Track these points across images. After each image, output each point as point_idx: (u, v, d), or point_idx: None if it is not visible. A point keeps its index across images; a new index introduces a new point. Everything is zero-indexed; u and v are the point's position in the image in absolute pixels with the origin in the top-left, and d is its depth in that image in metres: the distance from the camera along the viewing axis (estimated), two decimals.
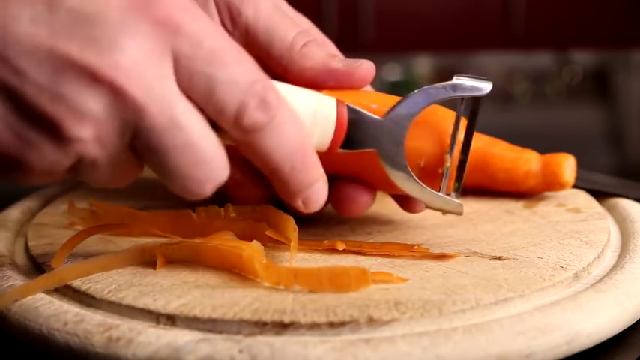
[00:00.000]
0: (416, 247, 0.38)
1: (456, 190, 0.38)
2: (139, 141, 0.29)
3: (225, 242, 0.35)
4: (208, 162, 0.29)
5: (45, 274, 0.34)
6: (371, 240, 0.39)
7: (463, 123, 0.38)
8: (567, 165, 0.45)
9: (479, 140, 0.47)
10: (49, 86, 0.27)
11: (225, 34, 0.31)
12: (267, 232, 0.37)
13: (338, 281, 0.32)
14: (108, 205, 0.43)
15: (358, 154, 0.36)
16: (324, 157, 0.34)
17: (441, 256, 0.36)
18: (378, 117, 0.35)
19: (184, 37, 0.29)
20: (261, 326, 0.30)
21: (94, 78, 0.27)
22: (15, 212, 0.45)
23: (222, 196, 0.40)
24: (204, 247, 0.35)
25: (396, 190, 0.37)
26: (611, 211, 0.45)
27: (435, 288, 0.32)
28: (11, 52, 0.27)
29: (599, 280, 0.34)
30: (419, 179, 0.36)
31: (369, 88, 0.40)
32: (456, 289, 0.32)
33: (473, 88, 0.37)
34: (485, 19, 2.02)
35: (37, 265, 0.37)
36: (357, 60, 0.38)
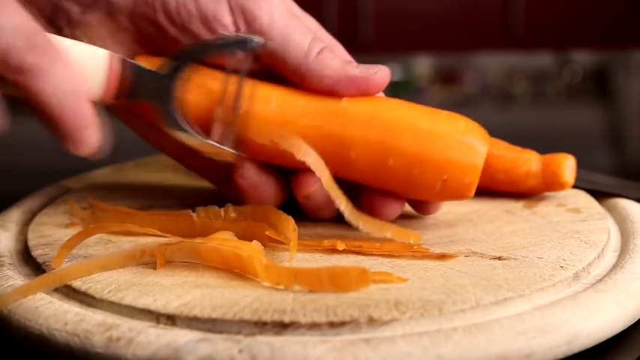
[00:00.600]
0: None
1: (228, 140, 0.39)
2: None
3: (225, 242, 0.35)
4: None
5: (45, 275, 0.34)
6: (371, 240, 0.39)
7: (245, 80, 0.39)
8: (567, 165, 0.45)
9: None
10: None
11: None
12: (267, 232, 0.37)
13: (338, 281, 0.32)
14: (108, 205, 0.43)
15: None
16: None
17: (441, 256, 0.36)
18: (150, 69, 0.38)
19: None
20: (261, 326, 0.30)
21: None
22: (15, 212, 0.45)
23: (229, 198, 0.41)
24: (205, 248, 0.35)
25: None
26: (611, 211, 0.45)
27: (435, 288, 0.32)
28: None
29: (599, 280, 0.34)
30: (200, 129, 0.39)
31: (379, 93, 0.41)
32: (456, 289, 0.32)
33: (238, 41, 0.38)
34: (485, 19, 2.01)
35: (37, 265, 0.37)
36: (373, 66, 0.39)
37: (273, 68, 0.40)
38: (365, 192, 0.40)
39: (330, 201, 0.39)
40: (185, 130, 0.38)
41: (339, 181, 0.40)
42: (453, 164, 0.37)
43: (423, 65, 2.03)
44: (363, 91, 0.38)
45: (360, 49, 1.94)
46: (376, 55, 1.94)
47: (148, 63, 0.39)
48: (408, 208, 0.42)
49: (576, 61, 1.91)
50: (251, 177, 0.40)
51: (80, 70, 0.36)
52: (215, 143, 0.39)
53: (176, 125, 0.38)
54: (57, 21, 0.40)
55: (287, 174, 0.41)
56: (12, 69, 0.32)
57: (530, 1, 1.99)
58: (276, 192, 0.40)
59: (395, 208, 0.40)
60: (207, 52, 0.39)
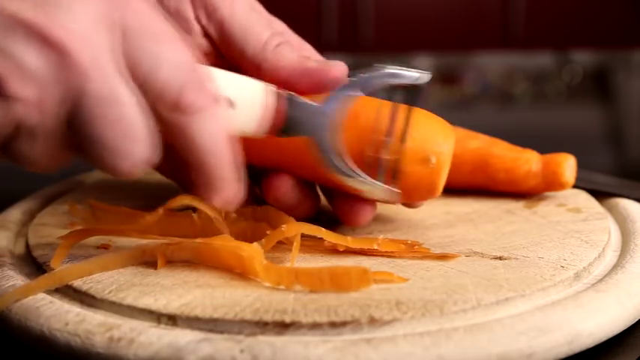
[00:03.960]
0: (417, 247, 0.38)
1: (394, 180, 0.37)
2: (77, 110, 0.29)
3: (226, 243, 0.35)
4: (138, 139, 0.30)
5: (46, 275, 0.34)
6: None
7: (402, 113, 0.38)
8: (567, 165, 0.45)
9: (479, 140, 0.48)
10: None
11: (165, 19, 0.31)
12: (267, 233, 0.37)
13: (339, 281, 0.32)
14: (108, 205, 0.43)
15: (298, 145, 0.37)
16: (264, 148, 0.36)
17: (442, 256, 0.36)
18: (314, 103, 0.36)
19: (134, 11, 0.30)
20: (262, 326, 0.30)
21: (42, 37, 0.28)
22: (15, 212, 0.45)
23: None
24: (205, 248, 0.35)
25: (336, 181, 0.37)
26: (612, 211, 0.45)
27: (436, 288, 0.32)
28: None
29: (600, 280, 0.34)
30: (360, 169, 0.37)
31: None
32: (457, 289, 0.32)
33: (406, 77, 0.37)
34: (485, 19, 2.02)
35: (37, 266, 0.37)
36: (330, 61, 0.39)
37: (230, 59, 0.40)
38: (336, 198, 0.40)
39: (300, 202, 0.39)
40: (345, 168, 0.36)
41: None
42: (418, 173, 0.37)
43: (423, 65, 2.03)
44: (319, 84, 0.38)
45: (360, 49, 1.94)
46: (376, 55, 1.94)
47: (312, 98, 0.38)
48: (406, 208, 0.42)
49: (576, 61, 1.91)
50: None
51: (237, 105, 0.35)
52: (377, 182, 0.37)
53: (335, 161, 0.36)
54: None
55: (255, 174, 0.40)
56: (180, 107, 0.30)
57: (530, 1, 1.99)
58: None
59: (367, 214, 0.40)
60: (369, 84, 0.37)
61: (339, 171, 0.36)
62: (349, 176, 0.36)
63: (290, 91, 0.38)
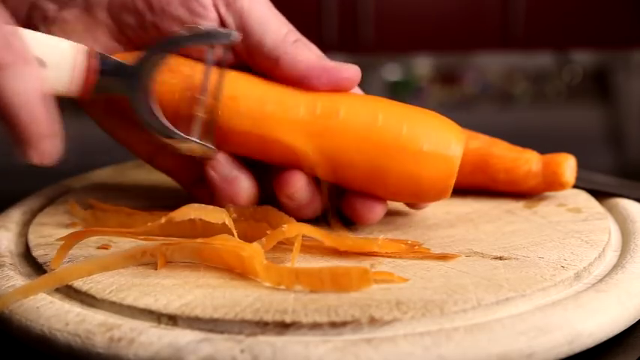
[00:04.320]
0: (417, 247, 0.38)
1: (208, 136, 0.38)
2: None
3: (226, 242, 0.35)
4: None
5: (46, 275, 0.34)
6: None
7: (216, 72, 0.38)
8: (568, 165, 0.45)
9: (479, 140, 0.48)
10: None
11: None
12: (268, 233, 0.37)
13: (339, 281, 0.32)
14: (108, 205, 0.43)
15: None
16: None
17: (442, 256, 0.36)
18: (127, 63, 0.37)
19: None
20: (262, 326, 0.30)
21: None
22: (16, 212, 0.45)
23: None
24: (205, 248, 0.35)
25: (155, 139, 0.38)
26: (612, 211, 0.45)
27: (437, 288, 0.32)
28: None
29: (601, 280, 0.35)
30: (175, 124, 0.38)
31: (358, 91, 0.41)
32: (458, 289, 0.32)
33: (216, 34, 0.38)
34: (485, 19, 2.01)
35: (37, 266, 0.37)
36: (344, 63, 0.39)
37: (247, 53, 0.40)
38: (347, 196, 0.40)
39: (312, 200, 0.39)
40: (159, 125, 0.37)
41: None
42: (431, 177, 0.38)
43: (423, 65, 2.03)
44: (335, 83, 0.39)
45: (360, 49, 1.94)
46: (376, 55, 1.94)
47: (125, 57, 0.38)
48: (408, 208, 0.42)
49: (576, 61, 1.91)
50: (222, 169, 0.39)
51: (47, 64, 0.35)
52: (191, 138, 0.38)
53: (149, 119, 0.37)
54: (32, 19, 0.40)
55: (261, 173, 0.41)
56: None
57: (530, 1, 1.99)
58: (249, 187, 0.40)
59: (378, 212, 0.40)
60: (182, 44, 0.38)
61: (155, 129, 0.37)
62: (165, 134, 0.37)
63: (302, 88, 0.38)
